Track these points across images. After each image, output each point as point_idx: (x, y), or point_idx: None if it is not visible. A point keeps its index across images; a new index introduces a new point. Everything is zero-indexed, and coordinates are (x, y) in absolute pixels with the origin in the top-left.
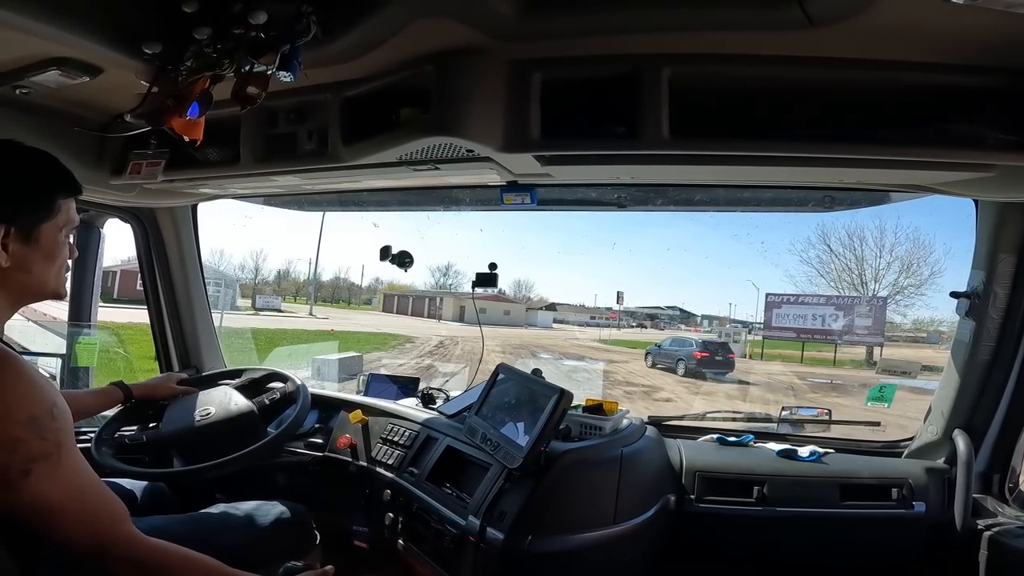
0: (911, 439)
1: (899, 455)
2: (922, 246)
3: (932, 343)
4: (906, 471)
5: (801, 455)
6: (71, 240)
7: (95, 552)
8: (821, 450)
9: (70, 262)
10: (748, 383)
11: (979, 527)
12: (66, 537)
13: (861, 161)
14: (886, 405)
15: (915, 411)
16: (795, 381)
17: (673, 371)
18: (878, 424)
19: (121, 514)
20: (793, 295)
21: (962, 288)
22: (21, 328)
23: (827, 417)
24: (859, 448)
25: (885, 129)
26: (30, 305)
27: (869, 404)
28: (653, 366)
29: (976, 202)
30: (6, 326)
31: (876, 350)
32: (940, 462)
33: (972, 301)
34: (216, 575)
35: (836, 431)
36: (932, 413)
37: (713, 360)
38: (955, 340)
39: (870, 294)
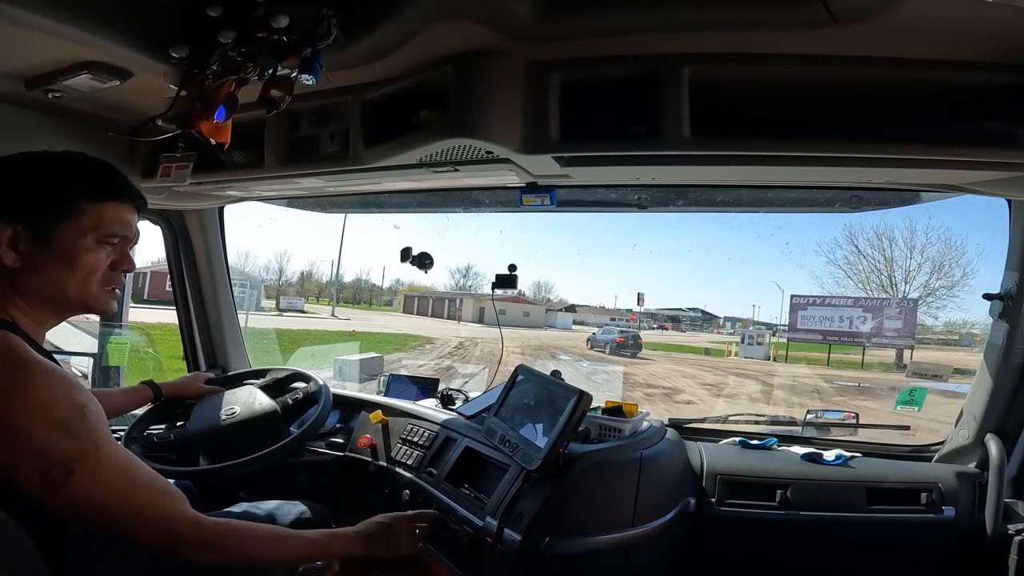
0: (941, 443)
1: (929, 459)
2: (954, 247)
3: (964, 346)
4: (936, 475)
5: (826, 459)
6: (122, 250)
7: (166, 540)
8: (847, 454)
9: (123, 275)
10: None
11: (1010, 532)
12: (134, 530)
13: (889, 160)
14: (916, 409)
15: (946, 415)
16: (821, 384)
17: (603, 352)
18: (907, 428)
19: (179, 498)
20: (819, 297)
21: (995, 290)
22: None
23: (854, 420)
24: (887, 452)
25: (914, 128)
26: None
27: (899, 408)
28: (591, 348)
29: (1009, 202)
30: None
31: (906, 353)
32: (971, 467)
33: (1005, 303)
34: (280, 539)
35: (863, 435)
36: (964, 417)
37: (627, 344)
38: (988, 343)
39: (900, 296)
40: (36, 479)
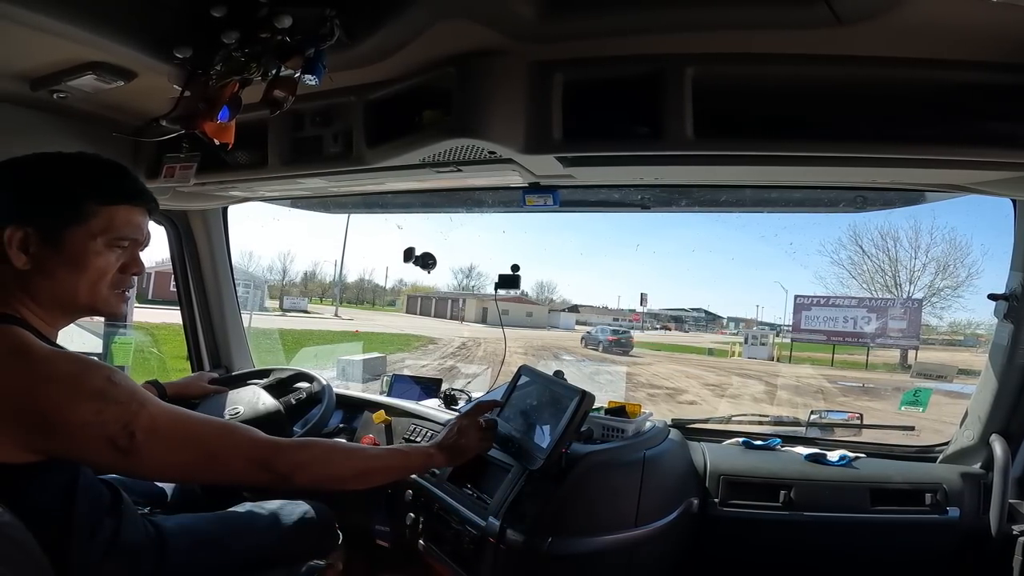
0: (946, 444)
1: (934, 460)
2: (959, 247)
3: (969, 346)
4: (940, 476)
5: (830, 459)
6: (132, 253)
7: (261, 469)
8: (851, 454)
9: (133, 278)
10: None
11: (1014, 532)
12: (225, 472)
13: (894, 160)
14: (921, 409)
15: (951, 415)
16: (825, 384)
17: (596, 349)
18: (912, 428)
19: (246, 429)
20: (823, 297)
21: (1000, 290)
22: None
23: (858, 421)
24: (892, 453)
25: (918, 128)
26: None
27: (903, 408)
28: (586, 346)
29: (1015, 202)
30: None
31: (911, 353)
32: (976, 467)
33: (1010, 303)
34: (360, 452)
35: (868, 435)
36: (968, 417)
37: (619, 343)
38: (993, 343)
39: (904, 296)
40: (105, 452)
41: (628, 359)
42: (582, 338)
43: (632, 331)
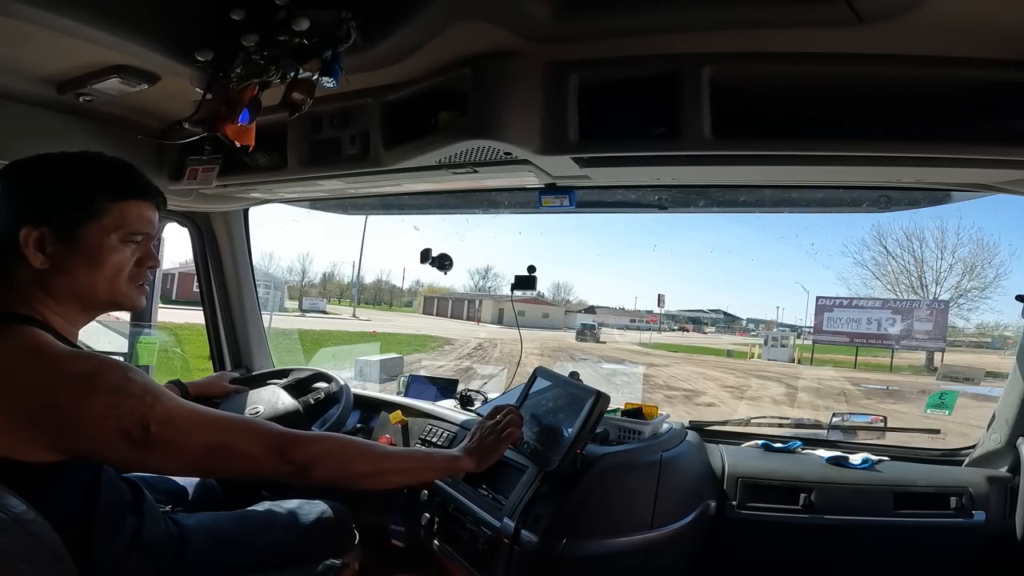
0: (973, 447)
1: (959, 464)
2: (986, 247)
3: (997, 348)
4: (966, 479)
5: (852, 462)
6: (146, 247)
7: (279, 458)
8: (874, 457)
9: (149, 272)
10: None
11: None
12: (245, 460)
13: (919, 160)
14: (947, 412)
15: (978, 419)
16: (847, 387)
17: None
18: (937, 432)
19: (263, 423)
20: (846, 298)
21: None
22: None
23: (882, 424)
24: (916, 456)
25: (944, 127)
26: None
27: (929, 411)
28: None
29: None
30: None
31: (936, 355)
32: (1003, 471)
33: None
34: (379, 453)
35: (892, 438)
36: (996, 420)
37: (588, 331)
38: (1020, 345)
39: (930, 297)
40: (121, 446)
41: (645, 360)
42: (574, 328)
43: (650, 331)
